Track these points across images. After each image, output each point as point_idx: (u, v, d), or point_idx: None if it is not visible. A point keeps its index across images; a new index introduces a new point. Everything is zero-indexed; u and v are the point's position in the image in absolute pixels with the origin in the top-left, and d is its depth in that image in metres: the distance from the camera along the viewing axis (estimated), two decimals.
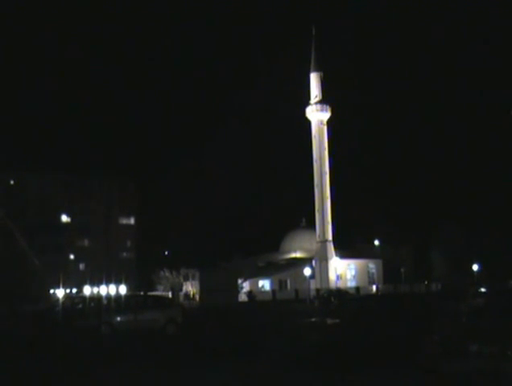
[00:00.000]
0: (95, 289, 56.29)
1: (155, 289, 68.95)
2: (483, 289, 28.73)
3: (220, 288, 51.91)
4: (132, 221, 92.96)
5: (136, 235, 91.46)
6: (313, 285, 63.43)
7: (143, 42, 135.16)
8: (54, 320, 29.28)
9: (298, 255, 77.36)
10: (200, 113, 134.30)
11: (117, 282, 51.69)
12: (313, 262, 69.62)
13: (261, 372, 13.22)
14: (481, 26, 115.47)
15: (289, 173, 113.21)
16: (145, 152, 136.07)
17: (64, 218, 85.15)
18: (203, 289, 55.72)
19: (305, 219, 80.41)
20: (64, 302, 37.21)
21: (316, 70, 73.03)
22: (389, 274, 72.55)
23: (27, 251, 52.83)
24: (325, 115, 72.43)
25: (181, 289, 66.07)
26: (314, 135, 72.37)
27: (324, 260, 69.98)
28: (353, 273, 74.20)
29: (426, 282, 69.05)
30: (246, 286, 64.20)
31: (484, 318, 13.57)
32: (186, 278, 68.68)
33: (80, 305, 33.01)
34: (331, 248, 70.77)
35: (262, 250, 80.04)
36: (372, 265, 75.56)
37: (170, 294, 57.65)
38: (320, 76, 72.77)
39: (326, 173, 71.56)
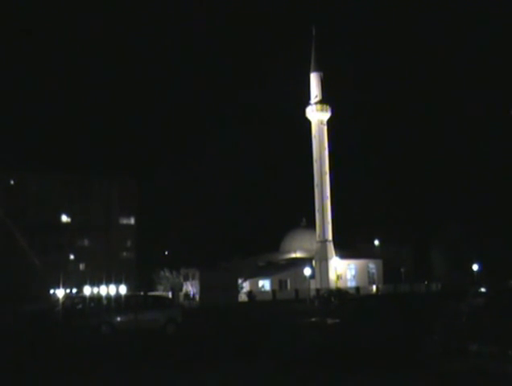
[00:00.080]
0: (95, 289, 56.30)
1: (155, 289, 68.95)
2: (483, 289, 28.73)
3: (220, 288, 51.97)
4: (132, 221, 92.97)
5: (136, 235, 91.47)
6: (313, 285, 63.46)
7: (143, 41, 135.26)
8: (54, 320, 29.30)
9: (298, 255, 77.36)
10: (200, 113, 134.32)
11: (117, 282, 51.71)
12: (313, 262, 69.63)
13: (261, 372, 13.21)
14: (481, 25, 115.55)
15: (289, 173, 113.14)
16: (145, 152, 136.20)
17: (64, 218, 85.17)
18: (203, 289, 55.76)
19: (305, 219, 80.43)
20: (64, 302, 37.25)
21: (316, 70, 73.04)
22: (389, 274, 72.54)
23: (27, 251, 52.85)
24: (325, 115, 72.45)
25: (181, 289, 66.07)
26: (314, 135, 72.38)
27: (324, 260, 69.99)
28: (353, 273, 74.20)
29: (426, 282, 69.04)
30: (246, 286, 64.20)
31: (484, 318, 13.57)
32: (186, 278, 68.67)
33: (80, 305, 33.02)
34: (331, 247, 70.78)
35: (262, 250, 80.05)
36: (372, 265, 75.56)
37: (170, 294, 57.65)
38: (320, 76, 72.79)
39: (326, 173, 71.56)
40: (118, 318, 22.98)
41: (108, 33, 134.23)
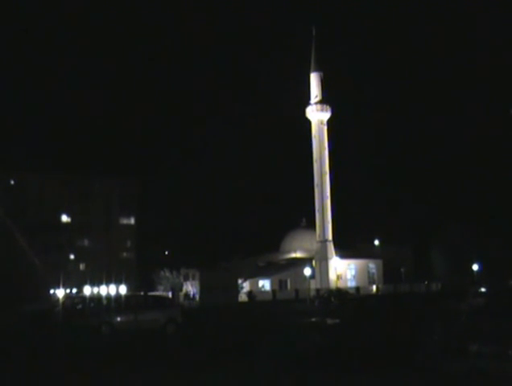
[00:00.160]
0: (95, 289, 56.30)
1: (155, 289, 68.93)
2: (483, 289, 28.74)
3: (220, 288, 51.97)
4: (132, 221, 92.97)
5: (136, 235, 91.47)
6: (313, 285, 63.46)
7: (143, 42, 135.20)
8: (54, 320, 29.30)
9: (298, 255, 77.35)
10: (200, 113, 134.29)
11: (118, 282, 51.70)
12: (313, 262, 69.62)
13: (261, 372, 13.21)
14: (482, 25, 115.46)
15: (289, 173, 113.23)
16: (145, 152, 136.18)
17: (64, 218, 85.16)
18: (203, 289, 55.76)
19: (305, 219, 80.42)
20: (64, 302, 37.24)
21: (316, 70, 73.05)
22: (389, 274, 72.52)
23: (27, 251, 52.83)
24: (325, 115, 72.45)
25: (181, 289, 66.08)
26: (314, 135, 72.39)
27: (324, 260, 70.00)
28: (353, 272, 74.20)
29: (426, 282, 69.02)
30: (246, 286, 64.18)
31: (484, 318, 13.58)
32: (186, 278, 68.67)
33: (80, 306, 33.03)
34: (331, 247, 70.78)
35: (262, 250, 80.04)
36: (372, 265, 75.56)
37: (170, 294, 57.65)
38: (320, 76, 72.80)
39: (326, 173, 71.57)
40: (118, 318, 22.99)
41: (108, 32, 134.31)
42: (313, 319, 18.92)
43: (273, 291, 64.83)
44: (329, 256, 70.08)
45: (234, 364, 14.42)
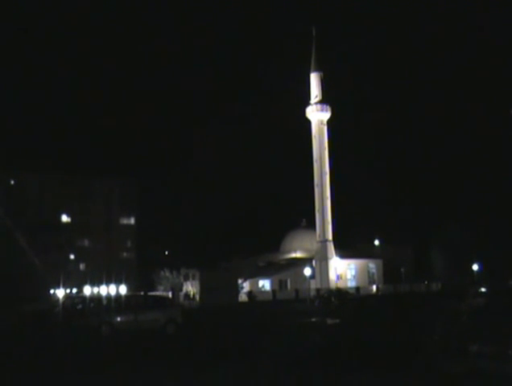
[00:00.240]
0: (95, 289, 56.30)
1: (155, 289, 68.93)
2: (483, 289, 28.71)
3: (220, 288, 51.95)
4: (132, 221, 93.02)
5: (136, 235, 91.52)
6: (313, 285, 63.43)
7: (143, 42, 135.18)
8: (54, 320, 29.31)
9: (298, 255, 77.34)
10: (200, 113, 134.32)
11: (118, 282, 51.69)
12: (313, 262, 69.61)
13: (261, 372, 13.21)
14: (482, 25, 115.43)
15: (289, 173, 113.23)
16: (145, 152, 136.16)
17: (64, 218, 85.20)
18: (203, 289, 55.75)
19: (305, 219, 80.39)
20: (64, 302, 37.23)
21: (316, 70, 73.03)
22: (389, 274, 72.53)
23: (27, 251, 52.84)
24: (325, 115, 72.43)
25: (181, 290, 66.07)
26: (314, 135, 72.37)
27: (324, 260, 69.98)
28: (353, 272, 74.19)
29: (426, 282, 69.04)
30: (246, 286, 64.17)
31: (484, 318, 13.56)
32: (186, 278, 68.66)
33: (81, 306, 33.03)
34: (331, 247, 70.76)
35: (262, 250, 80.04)
36: (372, 265, 75.55)
37: (170, 294, 57.64)
38: (320, 76, 72.78)
39: (326, 173, 71.55)
40: (118, 318, 22.98)
41: (108, 32, 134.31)
42: (313, 319, 18.91)
43: (273, 291, 64.82)
44: (329, 256, 70.07)
45: (234, 364, 14.42)
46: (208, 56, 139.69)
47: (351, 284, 70.65)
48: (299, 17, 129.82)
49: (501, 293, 25.06)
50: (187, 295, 62.57)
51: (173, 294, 57.88)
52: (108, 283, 50.74)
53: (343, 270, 72.43)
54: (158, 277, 71.52)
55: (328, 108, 72.30)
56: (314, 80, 73.23)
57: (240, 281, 61.69)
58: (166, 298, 38.94)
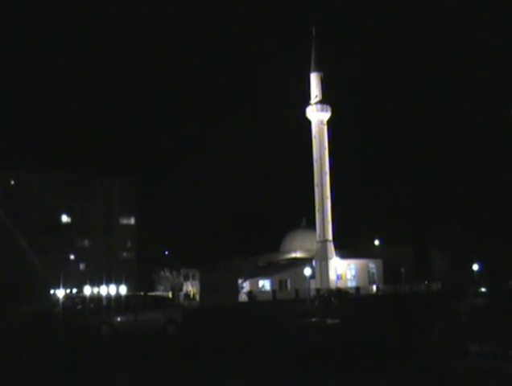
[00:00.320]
0: (95, 289, 56.27)
1: (156, 289, 68.95)
2: (483, 289, 28.73)
3: (220, 288, 51.95)
4: (132, 221, 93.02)
5: (136, 235, 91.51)
6: (313, 285, 63.43)
7: (144, 42, 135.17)
8: (54, 320, 29.29)
9: (298, 255, 77.33)
10: (200, 113, 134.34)
11: (118, 282, 51.62)
12: (313, 262, 69.61)
13: (261, 372, 13.21)
14: (482, 25, 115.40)
15: (289, 173, 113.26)
16: (145, 152, 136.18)
17: (64, 218, 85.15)
18: (203, 289, 55.74)
19: (305, 218, 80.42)
20: (64, 302, 37.20)
21: (316, 70, 73.03)
22: (389, 274, 72.51)
23: (27, 251, 52.83)
24: (325, 115, 72.43)
25: (181, 289, 66.07)
26: (314, 135, 72.37)
27: (324, 260, 69.98)
28: (354, 272, 74.18)
29: (426, 282, 69.04)
30: (246, 286, 64.17)
31: (484, 318, 13.57)
32: (186, 278, 68.66)
33: (80, 306, 33.03)
34: (331, 247, 70.75)
35: (263, 250, 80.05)
36: (372, 265, 75.54)
37: (170, 294, 57.63)
38: (320, 76, 72.78)
39: (326, 173, 71.55)
40: (118, 318, 22.97)
41: (108, 32, 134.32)
42: (313, 319, 18.87)
43: (273, 291, 64.83)
44: (329, 256, 70.07)
45: (234, 364, 14.41)
46: (208, 56, 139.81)
47: (351, 284, 70.64)
48: (299, 17, 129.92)
49: (501, 294, 25.08)
50: (187, 295, 62.56)
51: (173, 294, 57.88)
52: (108, 283, 50.66)
53: (343, 270, 72.42)
54: (158, 277, 71.55)
55: (328, 108, 72.29)
56: (314, 80, 73.22)
57: (240, 281, 61.68)
58: (166, 298, 38.96)
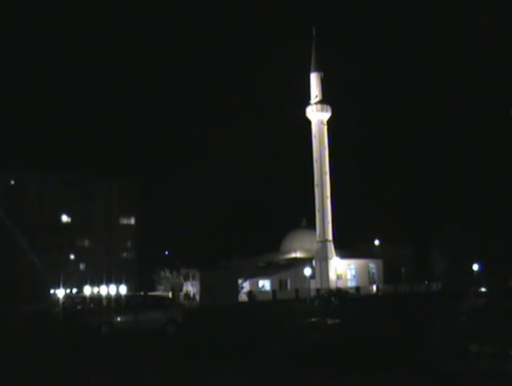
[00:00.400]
0: (95, 289, 56.26)
1: (156, 289, 68.92)
2: (483, 289, 28.71)
3: (220, 288, 51.94)
4: (132, 221, 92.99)
5: (136, 235, 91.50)
6: (313, 285, 63.43)
7: (144, 41, 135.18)
8: (54, 320, 29.28)
9: (298, 255, 77.32)
10: (200, 113, 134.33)
11: (118, 282, 51.60)
12: (313, 262, 69.60)
13: (261, 372, 13.21)
14: (482, 25, 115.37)
15: (289, 173, 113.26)
16: (145, 152, 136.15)
17: (64, 218, 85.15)
18: (203, 289, 55.72)
19: (305, 218, 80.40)
20: (64, 302, 37.20)
21: (316, 70, 73.03)
22: (389, 274, 72.50)
23: (27, 251, 52.80)
24: (325, 115, 72.43)
25: (181, 289, 66.06)
26: (314, 135, 72.37)
27: (324, 260, 69.97)
28: (354, 272, 74.17)
29: (426, 282, 69.03)
30: (246, 286, 64.15)
31: (484, 318, 13.57)
32: (186, 278, 68.64)
33: (81, 306, 33.04)
34: (331, 247, 70.74)
35: (263, 250, 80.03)
36: (372, 265, 75.52)
37: (170, 294, 57.62)
38: (320, 76, 72.78)
39: (326, 173, 71.54)
40: (118, 318, 22.96)
41: (108, 32, 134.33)
42: (313, 319, 18.89)
43: (273, 291, 64.82)
44: (329, 256, 70.06)
45: (234, 364, 14.41)
46: (209, 56, 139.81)
47: (351, 284, 70.62)
48: (299, 17, 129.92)
49: (501, 294, 25.07)
50: (185, 295, 62.55)
51: (173, 294, 57.87)
52: (108, 283, 50.62)
53: (343, 270, 72.40)
54: (159, 277, 71.51)
55: (328, 108, 72.29)
56: (314, 80, 73.22)
57: (240, 281, 61.67)
58: (166, 298, 38.97)
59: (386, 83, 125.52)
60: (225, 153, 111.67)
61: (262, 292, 65.36)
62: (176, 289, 64.27)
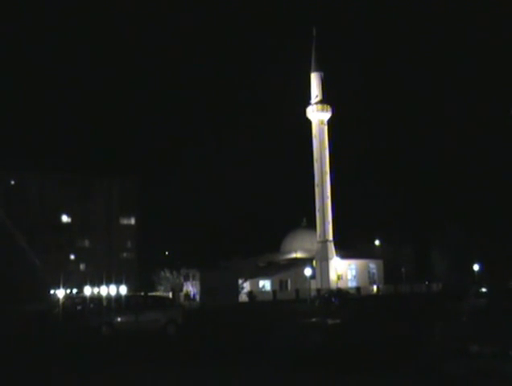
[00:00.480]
0: (95, 290, 56.26)
1: (156, 290, 68.90)
2: (484, 289, 28.71)
3: (220, 288, 51.93)
4: (132, 221, 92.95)
5: (136, 235, 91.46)
6: (314, 285, 63.44)
7: (144, 41, 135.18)
8: (54, 320, 29.27)
9: (298, 255, 77.33)
10: (200, 113, 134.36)
11: (118, 282, 51.62)
12: (314, 262, 69.59)
13: (262, 373, 13.20)
14: (482, 25, 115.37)
15: (289, 173, 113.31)
16: (145, 152, 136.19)
17: (65, 218, 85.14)
18: (203, 290, 55.71)
19: (306, 219, 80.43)
20: (64, 303, 37.20)
21: (317, 70, 73.07)
22: (389, 274, 72.50)
23: (27, 251, 52.72)
24: (326, 115, 72.46)
25: (181, 290, 66.04)
26: (314, 135, 72.41)
27: (324, 260, 69.96)
28: (354, 273, 74.17)
29: (426, 282, 69.00)
30: (247, 286, 64.15)
31: (484, 318, 13.56)
32: (186, 278, 68.63)
33: (81, 306, 33.01)
34: (331, 248, 70.75)
35: (263, 250, 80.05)
36: (373, 265, 75.53)
37: (170, 295, 57.60)
38: (321, 76, 72.82)
39: (326, 172, 71.57)
40: (119, 319, 22.94)
41: (108, 31, 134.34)
42: (314, 319, 18.89)
43: (273, 291, 64.84)
44: (330, 256, 70.07)
45: (235, 364, 14.41)
46: (209, 56, 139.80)
47: (351, 284, 70.63)
48: (299, 17, 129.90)
49: (501, 294, 25.06)
50: (187, 295, 62.55)
51: (173, 295, 57.84)
52: (108, 283, 50.65)
53: (343, 270, 72.41)
54: (159, 277, 71.49)
55: (329, 108, 72.32)
56: (314, 79, 73.24)
57: (240, 281, 61.65)
58: (166, 299, 38.94)
59: (386, 83, 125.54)
60: (225, 153, 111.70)
61: (263, 292, 65.39)
62: (176, 289, 64.25)
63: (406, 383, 11.64)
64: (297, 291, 62.23)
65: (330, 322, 17.12)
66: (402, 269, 69.62)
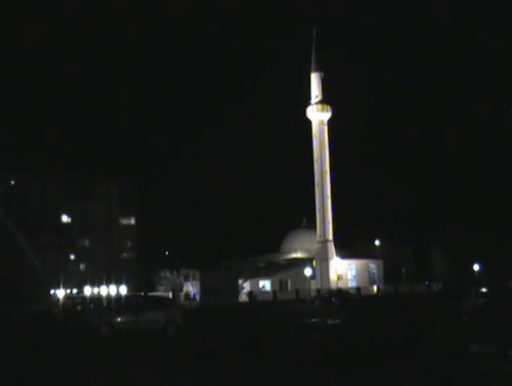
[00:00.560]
0: (95, 290, 56.24)
1: (156, 290, 68.88)
2: (484, 289, 28.70)
3: (220, 288, 51.87)
4: (132, 221, 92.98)
5: (136, 235, 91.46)
6: (314, 285, 63.40)
7: (143, 41, 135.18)
8: (54, 320, 29.27)
9: (298, 255, 77.31)
10: (200, 113, 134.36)
11: (118, 282, 51.62)
12: (314, 262, 69.57)
13: (262, 373, 13.20)
14: (482, 25, 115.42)
15: (289, 172, 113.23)
16: (145, 152, 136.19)
17: (65, 218, 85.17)
18: (203, 290, 55.66)
19: (306, 219, 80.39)
20: (64, 303, 37.19)
21: (317, 70, 73.04)
22: (390, 274, 72.48)
23: (27, 251, 52.74)
24: (326, 115, 72.44)
25: (181, 290, 66.03)
26: (314, 135, 72.38)
27: (324, 260, 69.94)
28: (354, 273, 74.14)
29: (427, 282, 68.97)
30: (247, 286, 64.13)
31: (484, 319, 13.54)
32: (186, 278, 68.61)
33: (81, 306, 32.99)
34: (331, 248, 70.72)
35: (263, 250, 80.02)
36: (373, 265, 75.48)
37: (170, 295, 57.58)
38: (321, 76, 72.79)
39: (327, 172, 71.54)
40: (118, 319, 22.92)
41: (108, 31, 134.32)
42: (314, 320, 18.87)
43: (273, 291, 64.82)
44: (330, 256, 70.03)
45: (234, 365, 14.40)
46: (209, 56, 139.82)
47: (352, 284, 70.60)
48: (299, 17, 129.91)
49: (501, 294, 25.02)
50: (187, 295, 62.53)
51: (173, 295, 57.82)
52: (108, 283, 50.64)
53: (343, 270, 72.38)
54: (159, 277, 71.47)
55: (329, 108, 72.30)
56: (314, 79, 73.21)
57: (240, 281, 61.59)
58: (166, 299, 38.91)
59: (386, 83, 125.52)
60: (224, 152, 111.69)
61: (263, 292, 65.37)
62: (176, 289, 64.23)
63: (406, 383, 11.64)
64: (297, 291, 62.20)
65: (330, 322, 17.09)
66: (402, 269, 69.60)
